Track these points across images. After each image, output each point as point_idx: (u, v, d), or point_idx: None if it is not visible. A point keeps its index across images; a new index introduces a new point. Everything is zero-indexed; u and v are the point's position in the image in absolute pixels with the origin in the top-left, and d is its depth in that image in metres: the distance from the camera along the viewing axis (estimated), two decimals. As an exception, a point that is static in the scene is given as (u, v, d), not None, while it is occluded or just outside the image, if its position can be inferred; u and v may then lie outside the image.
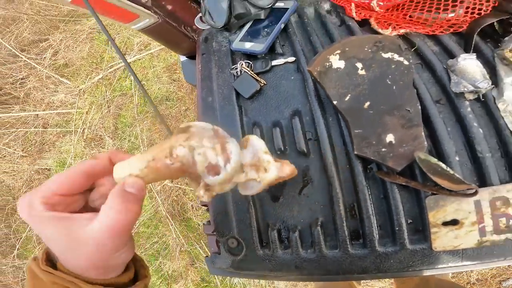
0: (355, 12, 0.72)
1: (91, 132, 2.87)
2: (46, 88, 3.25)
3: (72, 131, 2.92)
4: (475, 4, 0.60)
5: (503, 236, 0.45)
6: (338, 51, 0.59)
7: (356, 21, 0.71)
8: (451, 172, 0.44)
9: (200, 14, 0.94)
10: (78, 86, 3.18)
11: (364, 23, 0.70)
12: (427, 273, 0.49)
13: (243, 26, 0.84)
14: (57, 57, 3.46)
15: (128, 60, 2.98)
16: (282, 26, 0.76)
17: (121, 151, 0.38)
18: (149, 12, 0.85)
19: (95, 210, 0.36)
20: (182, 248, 2.03)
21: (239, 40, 0.79)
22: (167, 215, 2.10)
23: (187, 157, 0.33)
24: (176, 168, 0.34)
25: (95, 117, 2.93)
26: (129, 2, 0.78)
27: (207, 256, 0.64)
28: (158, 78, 2.82)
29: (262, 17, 0.80)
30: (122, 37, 3.25)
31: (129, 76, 2.96)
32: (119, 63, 3.08)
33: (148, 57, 2.91)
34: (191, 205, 2.10)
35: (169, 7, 0.90)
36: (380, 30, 0.66)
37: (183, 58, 1.27)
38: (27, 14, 3.57)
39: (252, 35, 0.80)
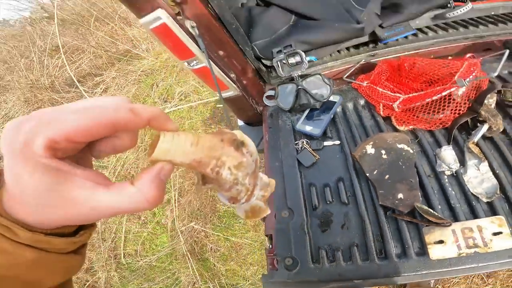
0: (382, 111, 1.17)
1: (124, 170, 3.15)
2: (91, 123, 3.69)
3: (105, 166, 3.23)
4: (456, 107, 1.04)
5: (472, 250, 0.82)
6: (371, 143, 1.03)
7: (382, 116, 1.16)
8: (436, 213, 0.84)
9: (266, 93, 1.42)
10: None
11: (386, 119, 1.15)
12: (430, 276, 0.85)
13: (302, 111, 1.30)
14: (107, 94, 3.89)
15: (168, 109, 3.42)
16: (332, 116, 1.22)
17: (165, 116, 0.36)
18: (235, 86, 1.31)
19: (89, 157, 0.35)
20: (195, 285, 2.23)
21: (301, 123, 1.25)
22: (187, 252, 2.33)
23: (226, 181, 0.37)
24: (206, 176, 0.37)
25: (130, 157, 3.22)
26: (225, 76, 1.25)
27: (263, 274, 1.00)
28: (194, 130, 3.13)
29: (318, 107, 1.27)
30: (165, 84, 3.75)
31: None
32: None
33: (187, 108, 3.32)
34: (211, 247, 2.35)
35: (245, 82, 1.37)
36: (397, 126, 1.10)
37: (241, 122, 1.74)
38: (93, 46, 4.21)
39: (309, 119, 1.26)
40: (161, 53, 4.10)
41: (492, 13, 1.40)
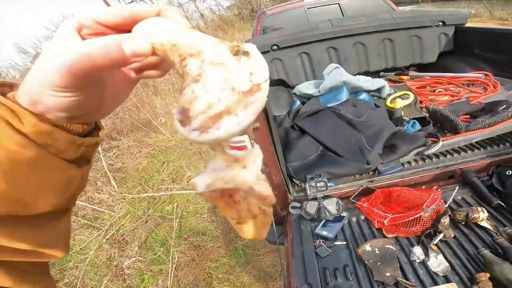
0: (376, 224, 1.75)
1: (119, 235, 3.18)
2: (96, 184, 3.70)
3: (97, 227, 3.26)
4: (423, 224, 1.62)
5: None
6: (369, 244, 1.60)
7: (376, 228, 1.74)
8: (410, 283, 1.35)
9: (292, 204, 1.99)
10: (122, 193, 3.59)
11: (379, 229, 1.73)
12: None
13: (320, 220, 1.87)
14: (118, 160, 4.00)
15: (174, 191, 3.49)
16: (341, 226, 1.80)
17: (176, 11, 0.35)
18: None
19: None
20: None
21: (319, 229, 1.81)
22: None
23: (188, 76, 0.28)
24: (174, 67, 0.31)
25: (127, 225, 3.25)
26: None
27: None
28: (200, 215, 3.24)
29: (331, 219, 1.85)
30: (176, 165, 3.91)
31: (173, 203, 3.42)
32: (165, 189, 3.54)
33: (195, 193, 3.34)
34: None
35: (276, 192, 1.89)
36: (386, 234, 1.67)
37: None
38: (120, 107, 4.28)
39: (324, 226, 1.83)
40: (177, 132, 4.47)
41: (456, 146, 2.08)
